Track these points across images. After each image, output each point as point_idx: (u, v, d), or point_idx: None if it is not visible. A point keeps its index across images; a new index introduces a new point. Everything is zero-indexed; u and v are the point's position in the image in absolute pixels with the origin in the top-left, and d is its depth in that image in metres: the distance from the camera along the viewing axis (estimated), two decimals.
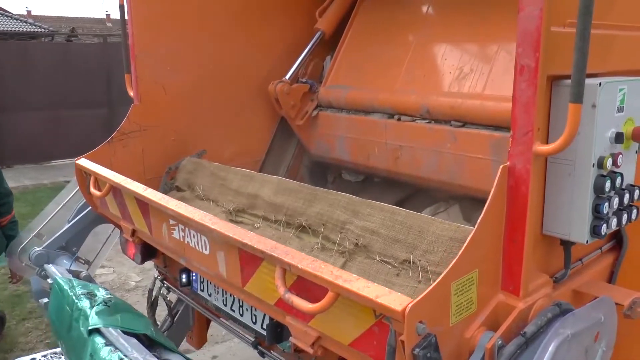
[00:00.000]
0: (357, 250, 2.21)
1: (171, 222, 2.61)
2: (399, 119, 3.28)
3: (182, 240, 2.56)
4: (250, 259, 2.13)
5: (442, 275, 1.58)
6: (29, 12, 38.09)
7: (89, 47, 16.09)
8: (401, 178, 3.40)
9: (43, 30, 24.88)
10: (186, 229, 2.51)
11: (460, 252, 1.64)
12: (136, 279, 6.45)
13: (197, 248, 2.47)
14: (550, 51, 1.67)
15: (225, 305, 2.80)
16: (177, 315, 3.87)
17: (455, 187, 3.04)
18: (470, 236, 1.66)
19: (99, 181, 3.10)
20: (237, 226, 2.20)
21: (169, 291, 3.62)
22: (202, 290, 2.96)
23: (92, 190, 3.13)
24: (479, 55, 3.01)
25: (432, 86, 3.17)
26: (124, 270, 6.73)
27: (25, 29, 24.24)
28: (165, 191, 3.39)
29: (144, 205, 2.75)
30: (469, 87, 2.97)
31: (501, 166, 1.75)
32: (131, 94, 3.36)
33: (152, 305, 3.72)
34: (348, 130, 3.60)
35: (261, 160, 3.95)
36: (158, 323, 3.91)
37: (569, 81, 1.66)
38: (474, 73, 2.98)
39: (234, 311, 2.76)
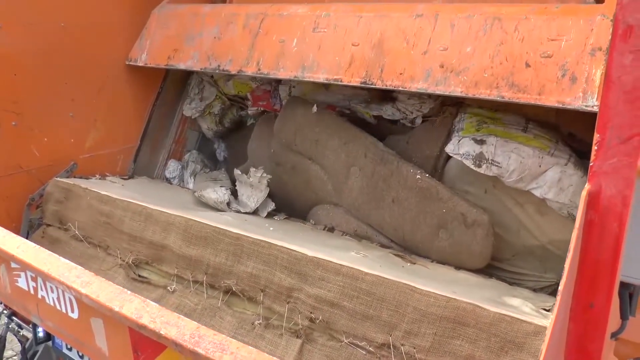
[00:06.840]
0: (315, 327, 1.58)
1: (14, 265, 1.71)
2: None
3: (33, 293, 1.68)
4: (148, 341, 1.32)
5: None
6: None
7: None
8: None
9: None
10: (38, 277, 1.63)
11: None
12: None
13: (59, 307, 1.60)
14: None
15: None
16: (37, 358, 2.90)
17: None
18: (547, 341, 0.97)
19: None
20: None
21: (21, 328, 2.66)
22: (71, 350, 2.06)
23: None
24: None
25: None
26: None
27: None
28: (31, 229, 2.41)
29: None
30: None
31: (585, 189, 1.06)
32: None
33: None
34: None
35: (135, 147, 3.06)
36: None
37: None
38: None
39: None
